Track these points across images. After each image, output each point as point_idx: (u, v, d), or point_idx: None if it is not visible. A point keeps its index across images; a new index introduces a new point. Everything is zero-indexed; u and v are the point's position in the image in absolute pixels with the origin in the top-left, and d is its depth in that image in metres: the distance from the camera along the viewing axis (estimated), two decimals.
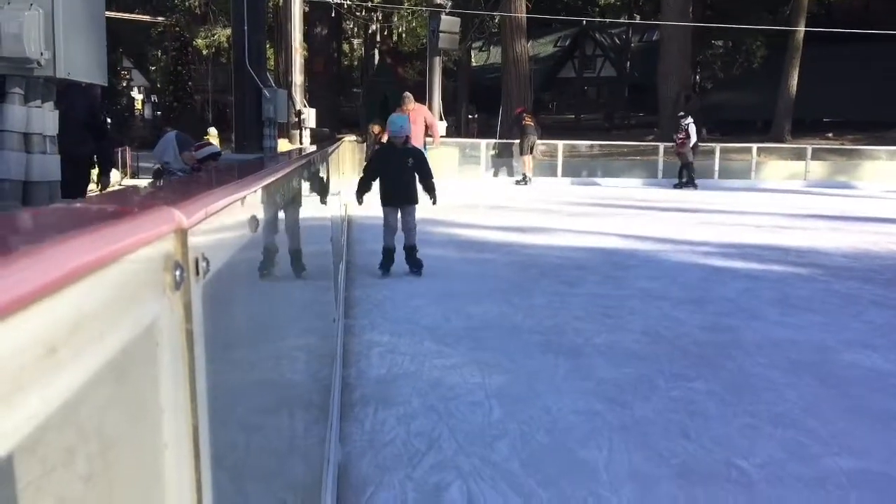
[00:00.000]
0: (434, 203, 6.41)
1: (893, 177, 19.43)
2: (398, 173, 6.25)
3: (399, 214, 6.28)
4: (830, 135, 25.93)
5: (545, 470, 2.66)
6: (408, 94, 13.33)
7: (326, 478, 2.29)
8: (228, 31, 20.14)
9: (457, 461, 2.74)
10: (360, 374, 3.76)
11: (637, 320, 4.89)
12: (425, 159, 6.53)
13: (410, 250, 6.28)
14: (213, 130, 17.29)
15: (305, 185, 2.65)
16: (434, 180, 6.41)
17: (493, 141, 19.45)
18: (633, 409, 3.30)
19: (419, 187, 6.43)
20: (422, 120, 13.09)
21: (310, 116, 13.58)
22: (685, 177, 17.44)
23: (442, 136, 14.90)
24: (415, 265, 6.24)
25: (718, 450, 2.88)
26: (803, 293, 5.83)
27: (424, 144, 12.60)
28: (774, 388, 3.60)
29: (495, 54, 34.19)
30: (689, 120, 17.27)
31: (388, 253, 6.27)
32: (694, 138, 17.21)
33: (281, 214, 1.85)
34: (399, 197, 6.29)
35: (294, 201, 2.21)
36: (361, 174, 6.59)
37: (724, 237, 8.94)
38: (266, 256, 1.50)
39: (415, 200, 6.35)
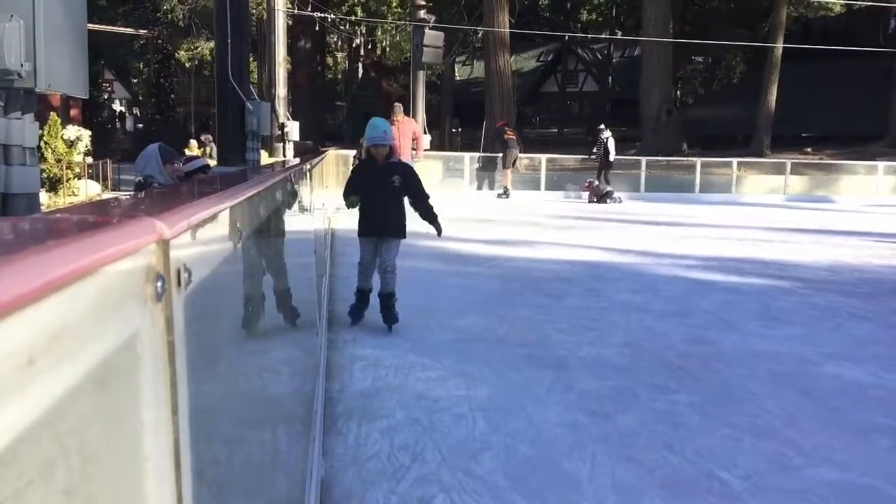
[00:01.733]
0: (439, 234, 5.00)
1: (871, 191, 19.74)
2: (379, 196, 4.79)
3: (379, 249, 4.85)
4: (809, 149, 26.30)
5: (529, 483, 2.65)
6: (398, 104, 12.96)
7: (309, 492, 2.27)
8: (211, 44, 20.11)
9: (441, 474, 2.72)
10: (343, 387, 3.73)
11: (619, 333, 4.91)
12: (416, 176, 5.01)
13: (387, 299, 4.83)
14: (193, 143, 17.25)
15: (287, 205, 2.58)
16: (431, 202, 4.95)
17: (476, 154, 19.52)
18: (617, 421, 3.30)
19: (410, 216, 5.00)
20: (410, 133, 12.54)
21: (293, 129, 13.57)
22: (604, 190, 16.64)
23: (426, 150, 14.54)
24: (389, 318, 4.83)
25: (701, 461, 2.89)
26: (784, 306, 5.89)
27: (411, 158, 12.23)
28: (756, 400, 3.62)
29: (479, 68, 34.40)
30: (608, 134, 16.86)
31: (363, 296, 4.96)
32: (613, 153, 16.59)
33: (258, 242, 1.81)
34: (378, 226, 4.83)
35: (277, 226, 2.13)
36: (345, 184, 5.11)
37: (705, 250, 9.02)
38: (250, 304, 1.44)
39: (400, 233, 4.85)
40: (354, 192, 4.92)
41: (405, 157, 11.67)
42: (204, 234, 0.91)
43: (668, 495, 2.60)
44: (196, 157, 5.81)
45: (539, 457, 2.90)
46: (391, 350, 4.37)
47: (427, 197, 4.94)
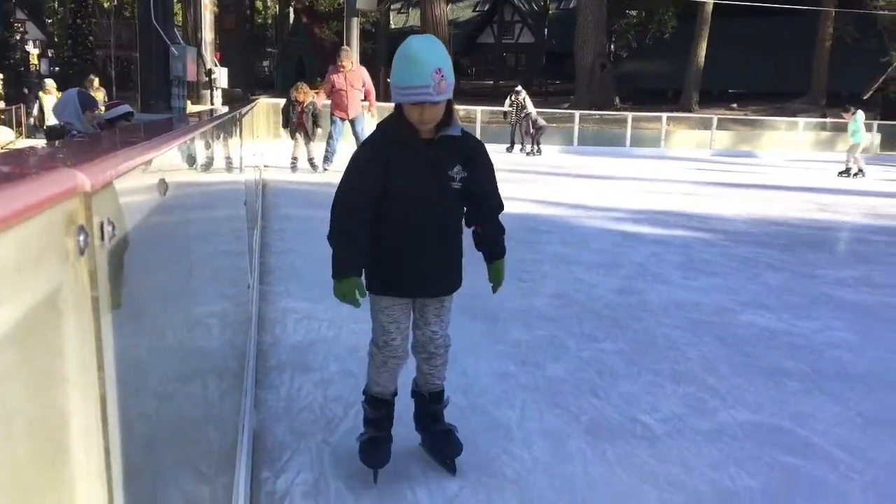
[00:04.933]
0: (498, 284, 2.57)
1: (792, 146, 20.51)
2: (431, 204, 2.31)
3: (418, 315, 2.48)
4: (735, 105, 27.05)
5: (460, 429, 2.71)
6: (346, 48, 11.41)
7: (241, 444, 2.28)
8: None
9: None
10: (276, 340, 3.72)
11: (551, 284, 5.02)
12: (490, 163, 2.41)
13: (436, 402, 2.60)
14: (49, 82, 16.11)
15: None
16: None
17: None
18: (546, 370, 3.41)
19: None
20: (360, 83, 10.66)
21: (221, 76, 13.12)
22: (536, 143, 16.84)
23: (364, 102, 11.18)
24: (450, 445, 2.53)
25: (625, 406, 3.02)
26: (706, 257, 6.13)
27: (363, 113, 10.71)
28: (677, 348, 3.79)
29: (414, 17, 33.81)
30: (524, 94, 17.10)
31: (386, 411, 2.56)
32: (530, 110, 16.73)
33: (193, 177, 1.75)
34: (429, 276, 2.40)
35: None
36: (336, 199, 2.26)
37: (634, 204, 9.25)
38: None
39: (458, 282, 2.50)
40: (367, 202, 2.25)
41: (354, 111, 10.60)
42: (129, 186, 0.89)
43: (593, 439, 2.72)
44: (120, 104, 5.56)
45: (470, 406, 2.97)
46: (324, 303, 4.35)
47: (502, 204, 2.48)
